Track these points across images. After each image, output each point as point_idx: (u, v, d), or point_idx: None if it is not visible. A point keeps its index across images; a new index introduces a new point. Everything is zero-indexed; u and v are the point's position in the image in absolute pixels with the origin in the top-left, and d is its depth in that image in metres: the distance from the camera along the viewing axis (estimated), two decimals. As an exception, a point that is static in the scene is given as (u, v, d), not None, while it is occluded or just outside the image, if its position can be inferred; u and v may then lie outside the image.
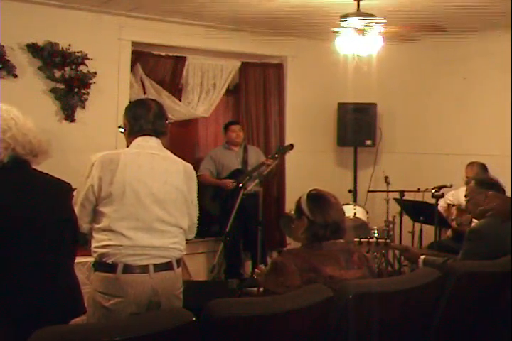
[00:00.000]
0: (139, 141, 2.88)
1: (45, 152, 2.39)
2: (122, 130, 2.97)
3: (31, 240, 2.27)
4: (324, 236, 2.63)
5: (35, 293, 2.26)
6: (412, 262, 3.54)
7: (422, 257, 3.47)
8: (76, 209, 2.75)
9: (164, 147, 2.97)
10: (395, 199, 5.85)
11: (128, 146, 2.92)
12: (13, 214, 2.24)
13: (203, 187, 5.53)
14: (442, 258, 3.43)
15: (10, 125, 2.29)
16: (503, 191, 3.64)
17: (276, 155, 5.73)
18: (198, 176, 3.15)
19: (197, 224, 3.04)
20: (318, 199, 2.69)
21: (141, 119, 2.88)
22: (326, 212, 2.65)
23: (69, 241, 2.47)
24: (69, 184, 2.50)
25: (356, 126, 6.61)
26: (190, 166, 3.00)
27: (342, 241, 2.69)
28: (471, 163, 5.47)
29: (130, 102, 3.17)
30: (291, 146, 5.73)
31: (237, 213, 5.28)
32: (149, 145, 2.88)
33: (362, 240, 3.69)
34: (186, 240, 3.00)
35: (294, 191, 5.76)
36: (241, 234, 5.84)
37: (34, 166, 2.39)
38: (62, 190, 2.46)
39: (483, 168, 5.33)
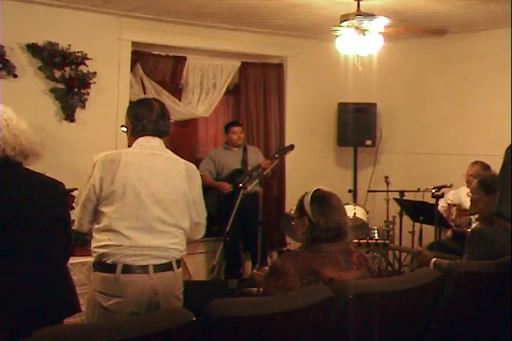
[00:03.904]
0: (141, 141, 2.87)
1: (36, 154, 2.41)
2: (125, 129, 2.96)
3: (22, 239, 2.28)
4: (325, 239, 2.62)
5: (25, 291, 2.27)
6: (425, 265, 3.52)
7: (433, 260, 3.46)
8: (78, 209, 2.76)
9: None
10: (395, 199, 5.84)
11: (130, 146, 2.92)
12: (4, 213, 2.25)
13: (203, 187, 5.51)
14: (450, 261, 3.42)
15: (1, 126, 2.31)
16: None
17: (276, 156, 5.72)
18: (197, 176, 3.14)
19: (205, 223, 3.03)
20: (322, 202, 2.65)
21: (144, 119, 2.87)
22: (328, 216, 2.62)
23: (61, 240, 2.47)
24: (61, 183, 2.50)
25: (356, 126, 6.61)
26: (192, 166, 3.00)
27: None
28: (473, 163, 5.47)
29: (132, 102, 3.16)
30: (292, 147, 5.73)
31: (237, 213, 5.28)
32: (151, 145, 2.87)
33: (361, 241, 3.68)
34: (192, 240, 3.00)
35: (294, 191, 5.76)
36: (241, 234, 5.84)
37: (26, 166, 2.40)
38: (53, 190, 2.47)
39: (486, 167, 5.32)
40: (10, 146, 2.31)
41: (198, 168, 5.89)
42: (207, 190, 5.75)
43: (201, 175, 5.60)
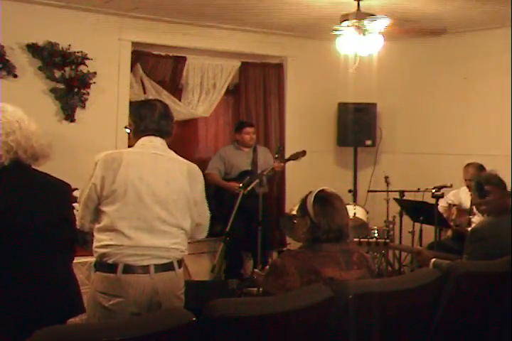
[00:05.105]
0: (143, 141, 2.89)
1: (46, 156, 2.41)
2: (128, 130, 2.98)
3: (28, 240, 2.28)
4: (326, 239, 2.62)
5: (31, 292, 2.27)
6: (424, 265, 3.52)
7: (433, 260, 3.46)
8: (79, 208, 2.76)
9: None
10: (395, 199, 5.84)
11: (132, 146, 2.93)
12: (12, 214, 2.25)
13: (206, 186, 5.50)
14: (450, 261, 3.41)
15: (14, 128, 2.31)
16: (504, 185, 3.65)
17: (276, 156, 5.71)
18: (205, 175, 3.14)
19: (207, 224, 3.04)
20: (324, 203, 2.65)
21: (146, 119, 2.89)
22: (330, 218, 2.62)
23: (67, 240, 2.48)
24: (68, 184, 2.51)
25: (356, 126, 6.61)
26: (195, 167, 3.00)
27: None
28: (468, 165, 5.46)
29: (135, 102, 3.18)
30: (304, 153, 5.54)
31: (237, 213, 5.27)
32: (153, 145, 2.88)
33: (361, 240, 3.68)
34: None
35: (294, 191, 5.76)
36: (241, 234, 5.83)
37: (34, 167, 2.41)
38: (60, 190, 2.47)
39: (481, 169, 5.31)
40: (22, 149, 2.31)
41: (205, 167, 5.92)
42: (208, 189, 5.73)
43: (210, 174, 5.69)
